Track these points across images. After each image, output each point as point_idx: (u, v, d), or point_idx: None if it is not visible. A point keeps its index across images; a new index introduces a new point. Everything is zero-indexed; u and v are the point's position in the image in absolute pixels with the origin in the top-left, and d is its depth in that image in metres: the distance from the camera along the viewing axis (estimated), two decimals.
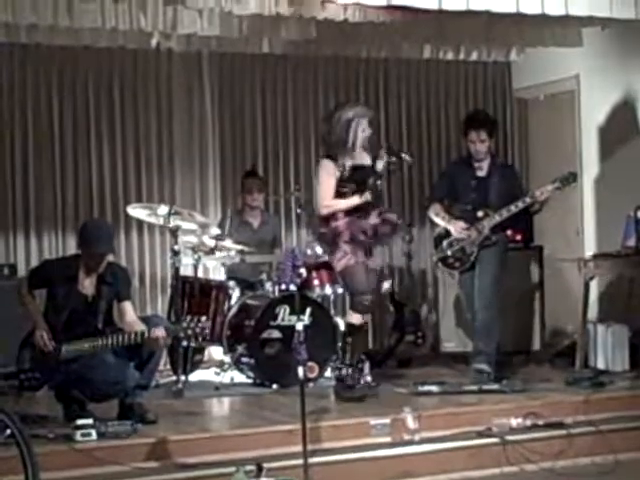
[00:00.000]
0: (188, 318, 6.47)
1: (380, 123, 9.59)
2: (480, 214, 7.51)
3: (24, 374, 6.24)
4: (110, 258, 6.56)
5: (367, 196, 6.92)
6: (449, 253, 7.60)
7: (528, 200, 7.40)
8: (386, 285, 7.87)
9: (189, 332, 6.36)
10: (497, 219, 7.47)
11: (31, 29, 7.69)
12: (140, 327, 6.31)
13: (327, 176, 7.00)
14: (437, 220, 7.70)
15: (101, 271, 6.43)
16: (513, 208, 7.43)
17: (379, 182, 7.06)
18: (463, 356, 8.11)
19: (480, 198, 7.57)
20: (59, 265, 6.65)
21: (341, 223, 6.96)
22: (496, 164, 7.74)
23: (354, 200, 6.96)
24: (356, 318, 7.02)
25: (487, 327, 7.48)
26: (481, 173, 7.65)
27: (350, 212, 6.98)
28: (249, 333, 7.53)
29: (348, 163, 6.98)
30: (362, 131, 6.99)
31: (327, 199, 6.98)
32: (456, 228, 7.56)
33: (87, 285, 6.43)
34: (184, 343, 7.20)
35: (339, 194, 6.99)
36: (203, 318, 6.51)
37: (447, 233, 7.63)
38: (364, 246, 6.99)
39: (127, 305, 6.54)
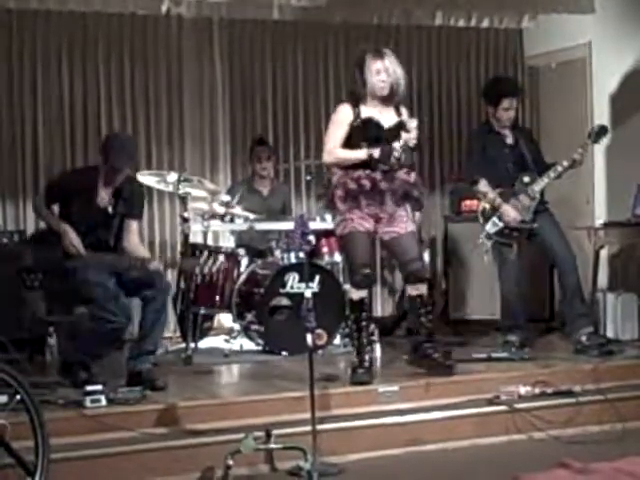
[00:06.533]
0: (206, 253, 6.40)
1: None
2: (526, 179, 7.38)
3: (26, 273, 6.19)
4: (130, 173, 6.47)
5: (375, 152, 6.22)
6: (502, 225, 7.35)
7: (565, 164, 7.29)
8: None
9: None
10: (546, 181, 7.38)
11: None
12: (143, 253, 6.31)
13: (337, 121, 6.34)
14: (489, 197, 7.37)
15: (119, 185, 6.35)
16: (559, 168, 7.33)
17: (399, 143, 6.23)
18: (473, 323, 8.11)
19: (518, 165, 7.44)
20: (77, 177, 6.52)
21: (336, 177, 6.33)
22: (516, 128, 7.61)
23: (359, 153, 6.25)
24: (354, 293, 6.46)
25: (580, 289, 7.40)
26: (510, 140, 7.51)
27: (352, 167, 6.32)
28: (258, 300, 7.54)
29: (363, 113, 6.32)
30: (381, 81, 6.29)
31: (330, 144, 6.32)
32: (508, 216, 7.29)
33: (104, 197, 6.34)
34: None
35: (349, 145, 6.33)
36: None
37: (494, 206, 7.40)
38: (359, 202, 6.26)
39: (135, 224, 6.52)
